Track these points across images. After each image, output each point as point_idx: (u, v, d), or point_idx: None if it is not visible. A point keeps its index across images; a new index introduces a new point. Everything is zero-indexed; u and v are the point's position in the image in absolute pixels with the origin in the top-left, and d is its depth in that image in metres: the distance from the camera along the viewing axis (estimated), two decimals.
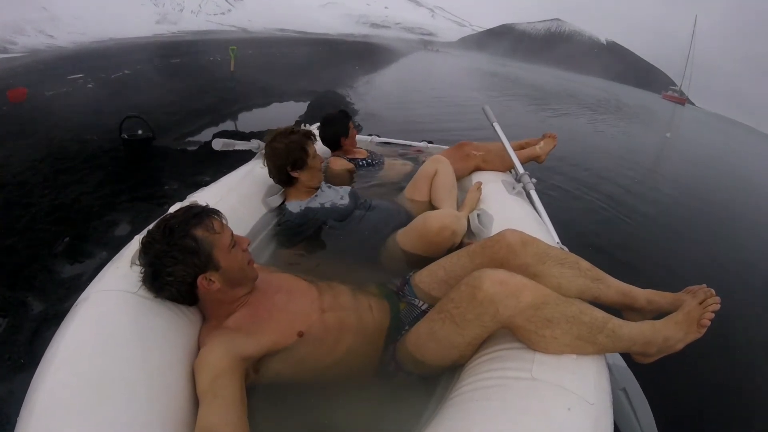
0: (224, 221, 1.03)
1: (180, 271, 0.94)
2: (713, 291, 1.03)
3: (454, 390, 0.90)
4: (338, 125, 2.33)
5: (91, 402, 0.73)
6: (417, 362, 1.03)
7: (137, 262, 1.00)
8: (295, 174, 1.67)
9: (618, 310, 1.18)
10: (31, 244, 2.36)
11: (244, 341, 0.96)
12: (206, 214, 1.00)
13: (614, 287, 1.15)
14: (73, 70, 6.11)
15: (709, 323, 0.98)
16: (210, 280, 0.97)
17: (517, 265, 1.08)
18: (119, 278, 0.99)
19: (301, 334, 1.02)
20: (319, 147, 2.23)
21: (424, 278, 1.22)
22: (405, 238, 1.54)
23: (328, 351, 1.05)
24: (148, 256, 0.95)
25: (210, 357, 0.90)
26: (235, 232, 1.05)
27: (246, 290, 1.06)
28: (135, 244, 1.07)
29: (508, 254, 1.10)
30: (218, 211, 1.04)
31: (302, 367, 1.03)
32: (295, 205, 1.68)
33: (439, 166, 1.86)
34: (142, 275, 0.97)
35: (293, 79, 8.44)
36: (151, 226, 0.99)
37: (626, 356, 1.11)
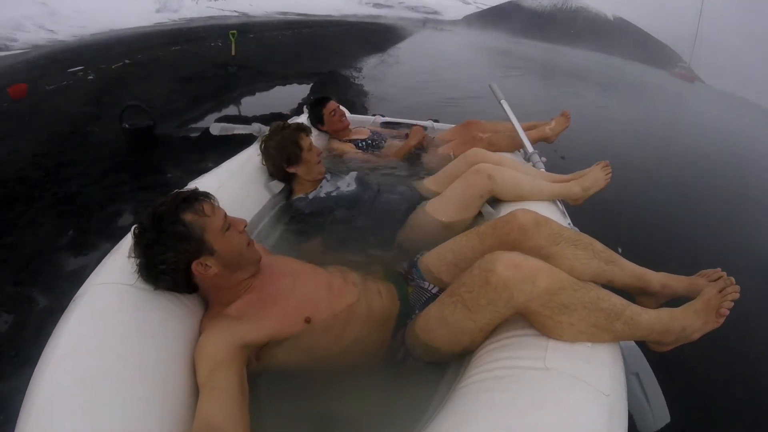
0: (215, 204, 1.00)
1: (172, 258, 0.92)
2: (733, 279, 0.99)
3: (463, 378, 0.87)
4: (312, 115, 2.31)
5: (90, 400, 0.72)
6: (427, 348, 1.00)
7: (133, 254, 0.97)
8: (292, 170, 1.65)
9: (631, 294, 1.14)
10: (35, 239, 2.35)
11: (246, 328, 0.94)
12: (195, 197, 0.97)
13: (628, 270, 1.11)
14: (73, 63, 6.07)
15: (727, 312, 0.94)
16: (206, 265, 0.94)
17: (530, 246, 1.04)
18: (117, 271, 0.97)
19: (308, 321, 0.99)
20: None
21: (433, 261, 1.18)
22: (434, 185, 1.61)
23: (335, 339, 1.03)
24: (139, 246, 0.93)
25: (208, 347, 0.88)
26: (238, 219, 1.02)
27: (248, 273, 1.02)
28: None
29: (520, 235, 1.06)
30: (208, 193, 1.00)
31: (308, 356, 1.00)
32: (301, 199, 1.65)
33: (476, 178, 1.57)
34: (137, 267, 0.94)
35: (296, 62, 8.33)
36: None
37: (640, 342, 1.08)
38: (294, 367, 1.01)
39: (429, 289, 1.15)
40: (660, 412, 1.08)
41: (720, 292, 0.97)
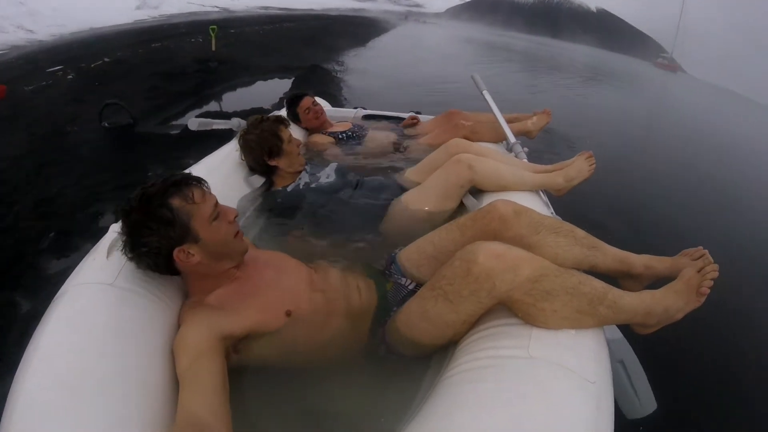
0: (207, 190, 0.97)
1: (155, 242, 0.89)
2: (711, 258, 1.01)
3: (447, 370, 0.87)
4: (289, 114, 2.29)
5: (70, 401, 0.70)
6: (409, 343, 0.99)
7: (114, 252, 0.96)
8: (273, 162, 1.63)
9: (615, 278, 1.15)
10: (16, 242, 2.30)
11: (226, 319, 0.92)
12: (186, 182, 0.93)
13: (611, 254, 1.12)
14: (52, 63, 5.94)
15: (708, 291, 0.96)
16: (188, 252, 0.92)
17: (511, 236, 1.04)
18: (96, 270, 0.96)
19: (289, 314, 0.98)
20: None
21: (412, 255, 1.17)
22: (415, 176, 1.60)
23: (315, 333, 1.01)
24: (125, 225, 0.91)
25: (189, 337, 0.86)
26: None
27: (233, 263, 1.00)
28: (111, 234, 1.03)
29: (500, 225, 1.06)
30: (201, 179, 0.97)
31: (287, 350, 0.98)
32: (280, 192, 1.64)
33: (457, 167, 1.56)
34: (122, 244, 0.92)
35: (277, 57, 8.29)
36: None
37: (623, 327, 1.09)
38: (273, 361, 0.99)
39: (406, 285, 1.14)
40: (646, 399, 1.10)
41: (699, 271, 0.99)
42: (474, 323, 0.94)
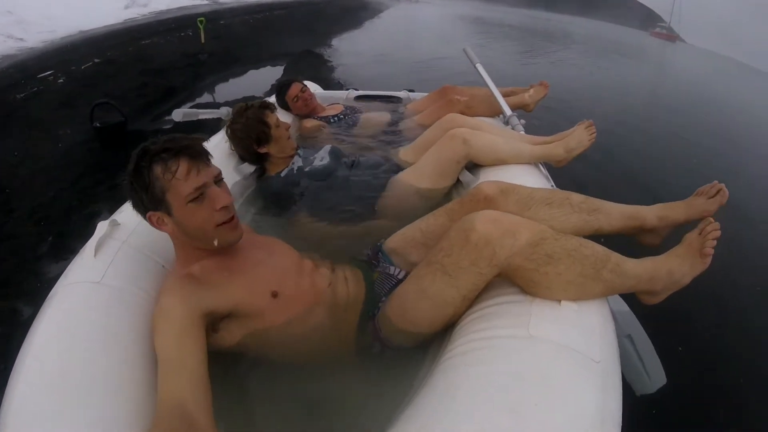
0: (199, 168, 0.88)
1: (134, 200, 0.90)
2: (712, 219, 0.97)
3: (445, 352, 0.83)
4: (278, 103, 2.23)
5: (59, 406, 0.69)
6: (406, 330, 0.94)
7: (101, 249, 0.96)
8: (263, 150, 1.58)
9: (629, 236, 1.12)
10: (15, 250, 2.30)
11: (210, 293, 0.87)
12: (179, 152, 0.87)
13: (616, 213, 1.08)
14: (43, 69, 5.89)
15: (711, 252, 0.92)
16: (162, 220, 0.89)
17: None
18: (85, 269, 0.95)
19: (275, 295, 0.93)
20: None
21: (399, 243, 1.13)
22: (411, 155, 1.60)
23: (298, 321, 0.96)
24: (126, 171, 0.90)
25: (171, 309, 0.82)
26: None
27: (209, 248, 0.93)
28: (99, 232, 1.01)
29: (487, 206, 1.02)
30: (202, 153, 0.90)
31: (268, 337, 0.93)
32: (273, 178, 1.60)
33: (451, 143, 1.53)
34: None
35: (268, 45, 8.20)
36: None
37: (630, 301, 1.06)
38: (253, 348, 0.95)
39: (395, 275, 1.09)
40: (656, 374, 1.06)
41: (701, 233, 0.95)
42: (473, 301, 0.90)
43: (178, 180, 0.86)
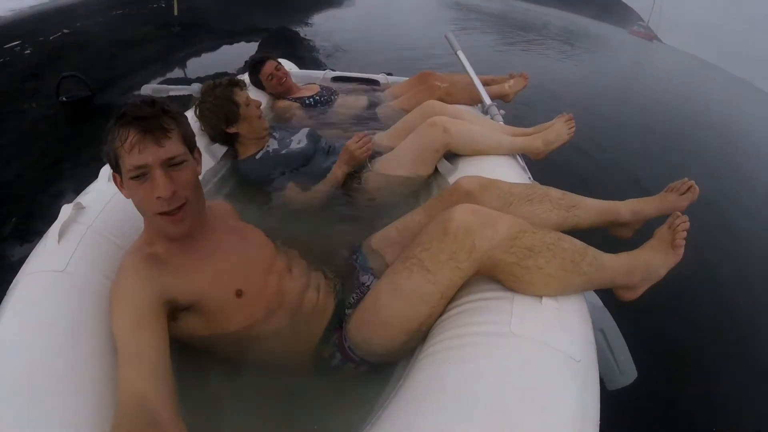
0: (147, 145, 0.78)
1: (106, 155, 0.83)
2: (679, 213, 1.01)
3: (425, 348, 0.82)
4: (252, 81, 2.13)
5: (25, 406, 0.66)
6: (374, 334, 0.90)
7: (65, 236, 0.92)
8: (232, 130, 1.51)
9: (603, 229, 1.15)
10: None
11: (173, 279, 0.82)
12: (129, 120, 0.78)
13: (593, 209, 1.10)
14: (10, 39, 5.57)
15: (682, 243, 0.96)
16: (120, 183, 0.84)
17: None
18: (48, 257, 0.89)
19: (239, 294, 0.87)
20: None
21: (377, 243, 1.11)
22: (389, 140, 1.56)
23: (258, 324, 0.90)
24: None
25: (129, 291, 0.77)
26: None
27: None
28: (63, 217, 0.96)
29: (468, 202, 1.01)
30: (154, 127, 0.79)
31: (226, 335, 0.88)
32: (247, 161, 1.54)
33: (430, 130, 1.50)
34: None
35: (243, 19, 7.93)
36: None
37: (604, 297, 1.08)
38: (205, 340, 0.89)
39: (369, 285, 1.04)
40: (627, 368, 1.08)
41: (670, 227, 0.99)
42: (449, 302, 0.87)
43: (125, 151, 0.78)
